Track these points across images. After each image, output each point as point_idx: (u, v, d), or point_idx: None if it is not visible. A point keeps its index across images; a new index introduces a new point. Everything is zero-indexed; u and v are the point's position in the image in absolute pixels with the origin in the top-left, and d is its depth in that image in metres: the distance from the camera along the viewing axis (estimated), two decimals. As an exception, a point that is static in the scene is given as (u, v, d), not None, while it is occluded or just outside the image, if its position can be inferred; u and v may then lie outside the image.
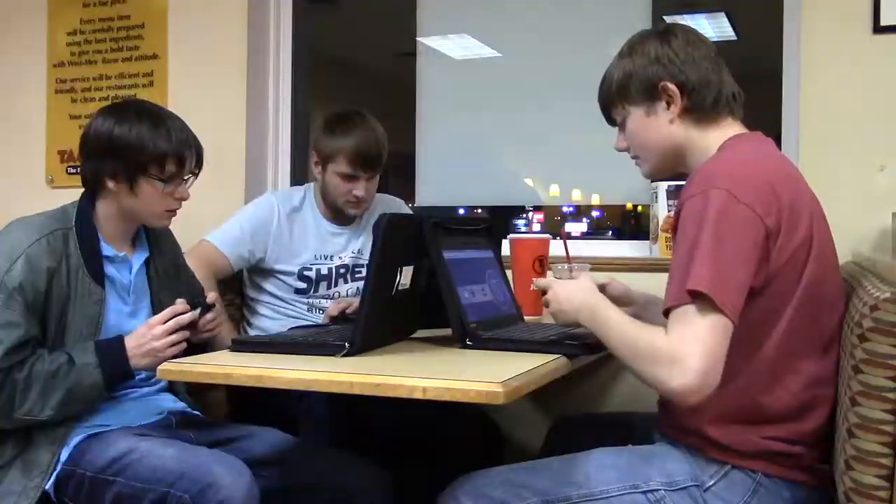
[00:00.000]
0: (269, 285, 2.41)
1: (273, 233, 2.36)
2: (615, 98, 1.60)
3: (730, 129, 1.55)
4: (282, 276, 2.38)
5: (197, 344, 1.83)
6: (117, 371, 1.72)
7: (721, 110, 1.54)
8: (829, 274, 1.45)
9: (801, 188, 1.46)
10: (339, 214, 2.42)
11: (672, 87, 1.52)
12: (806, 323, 1.41)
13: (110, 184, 1.79)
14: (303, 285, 2.38)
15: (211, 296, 1.84)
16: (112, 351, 1.72)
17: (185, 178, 1.84)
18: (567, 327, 1.63)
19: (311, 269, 2.38)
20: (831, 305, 1.45)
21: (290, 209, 2.40)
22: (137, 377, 1.86)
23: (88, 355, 1.70)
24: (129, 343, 1.74)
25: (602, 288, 2.01)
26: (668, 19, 2.88)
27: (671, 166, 1.61)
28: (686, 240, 1.34)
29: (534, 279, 1.74)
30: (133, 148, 1.76)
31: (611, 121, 1.65)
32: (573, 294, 1.54)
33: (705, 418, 1.42)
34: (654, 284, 2.03)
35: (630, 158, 1.67)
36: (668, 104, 1.54)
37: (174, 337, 1.73)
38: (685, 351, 1.26)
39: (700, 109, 1.53)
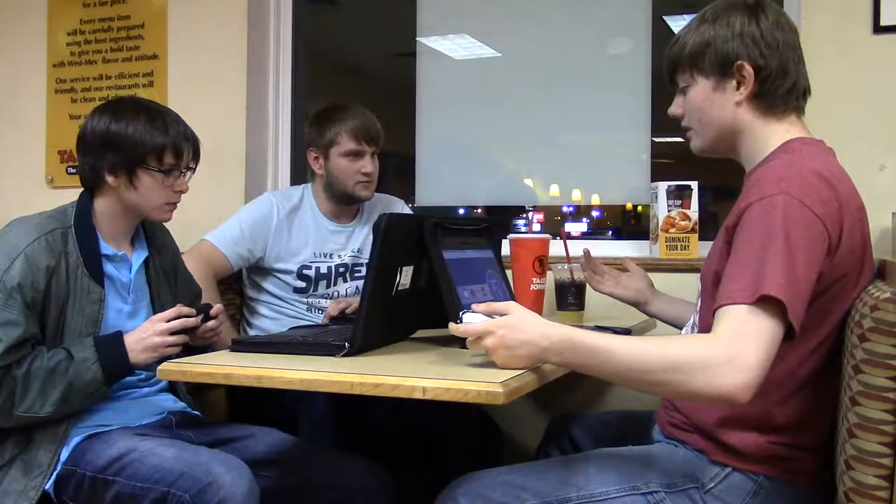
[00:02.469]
0: (268, 285, 2.41)
1: (272, 232, 2.37)
2: (685, 63, 1.51)
3: (793, 127, 1.49)
4: (281, 276, 2.38)
5: (198, 346, 1.83)
6: (116, 365, 1.72)
7: (790, 104, 1.48)
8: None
9: (863, 210, 1.43)
10: (339, 213, 2.41)
11: (748, 68, 1.45)
12: (836, 347, 1.40)
13: (109, 178, 1.79)
14: (302, 284, 2.38)
15: (217, 308, 1.84)
16: (111, 346, 1.72)
17: (183, 170, 1.85)
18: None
19: (310, 268, 2.38)
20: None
21: (289, 208, 2.40)
22: (138, 377, 1.87)
23: (87, 350, 1.70)
24: (129, 338, 1.74)
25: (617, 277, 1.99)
26: (669, 19, 2.88)
27: (723, 148, 1.54)
28: (754, 240, 1.28)
29: (452, 325, 1.42)
30: (130, 141, 1.77)
31: (672, 83, 1.57)
32: (527, 332, 1.32)
33: (717, 419, 1.42)
34: (655, 284, 2.03)
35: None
36: (739, 85, 1.46)
37: (174, 338, 1.73)
38: (743, 347, 1.20)
39: (769, 98, 1.46)
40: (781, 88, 1.46)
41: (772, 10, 1.49)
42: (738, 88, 1.47)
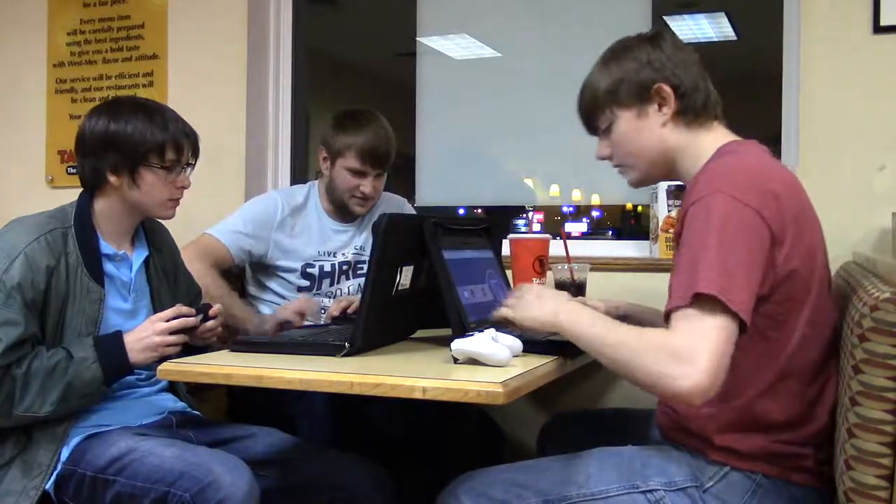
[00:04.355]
0: (272, 283, 2.40)
1: (275, 229, 2.36)
2: (602, 103, 1.55)
3: (721, 133, 1.53)
4: (285, 274, 2.38)
5: (197, 346, 1.83)
6: (115, 365, 1.72)
7: (710, 113, 1.53)
8: (829, 281, 1.46)
9: (805, 198, 1.46)
10: (342, 212, 2.41)
11: (667, 88, 1.50)
12: (816, 331, 1.41)
13: (112, 178, 1.79)
14: (306, 283, 2.38)
15: (216, 307, 1.84)
16: (110, 345, 1.72)
17: (184, 166, 1.85)
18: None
19: (314, 266, 2.38)
20: (832, 311, 1.46)
21: (293, 207, 2.40)
22: (137, 377, 1.87)
23: (86, 350, 1.70)
24: (129, 338, 1.74)
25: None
26: (668, 19, 2.89)
27: (661, 173, 1.58)
28: (691, 243, 1.31)
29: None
30: (131, 140, 1.77)
31: (593, 129, 1.61)
32: (543, 298, 1.49)
33: (711, 427, 1.42)
34: (655, 284, 2.04)
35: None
36: (661, 106, 1.52)
37: (174, 338, 1.74)
38: (694, 349, 1.22)
39: (692, 112, 1.51)
40: (699, 101, 1.52)
41: (668, 35, 1.56)
42: (660, 110, 1.52)
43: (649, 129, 1.52)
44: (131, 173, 1.79)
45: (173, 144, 1.81)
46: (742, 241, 1.30)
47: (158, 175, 1.80)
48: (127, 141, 1.77)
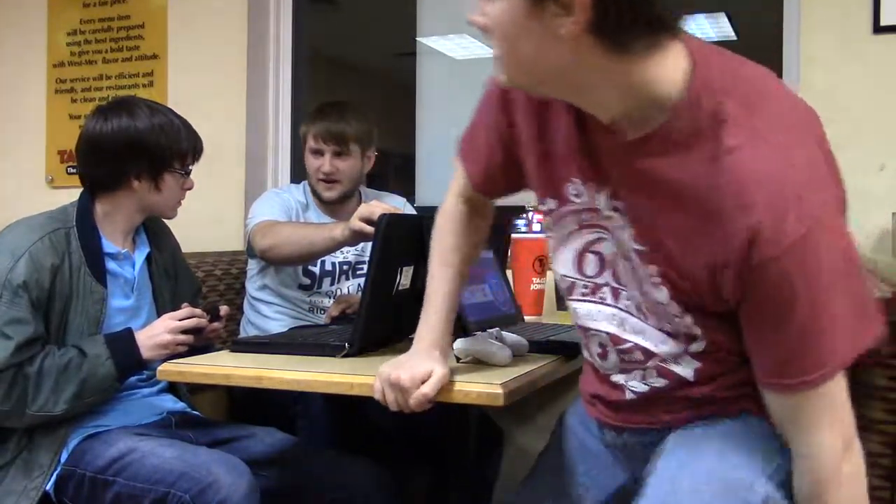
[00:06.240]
0: (272, 281, 2.39)
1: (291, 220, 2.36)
2: None
3: (679, 51, 0.98)
4: (288, 269, 2.37)
5: (197, 346, 1.83)
6: (129, 361, 1.72)
7: (665, 29, 0.95)
8: None
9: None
10: (337, 210, 2.41)
11: None
12: None
13: (135, 182, 1.80)
14: (307, 281, 2.37)
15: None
16: (122, 342, 1.73)
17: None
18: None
19: (315, 265, 2.38)
20: None
21: (300, 204, 2.41)
22: (138, 377, 1.87)
23: (98, 347, 1.71)
24: (140, 335, 1.75)
25: None
26: (668, 19, 2.88)
27: (552, 93, 1.07)
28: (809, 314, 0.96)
29: None
30: (160, 145, 1.80)
31: None
32: None
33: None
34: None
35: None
36: (566, 10, 0.91)
37: (184, 337, 1.75)
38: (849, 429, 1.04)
39: (616, 33, 0.92)
40: (642, 14, 0.91)
41: None
42: (560, 18, 0.92)
43: (538, 39, 0.95)
44: (155, 177, 1.81)
45: (193, 150, 1.85)
46: (858, 280, 1.00)
47: (177, 179, 1.84)
48: (157, 146, 1.80)
